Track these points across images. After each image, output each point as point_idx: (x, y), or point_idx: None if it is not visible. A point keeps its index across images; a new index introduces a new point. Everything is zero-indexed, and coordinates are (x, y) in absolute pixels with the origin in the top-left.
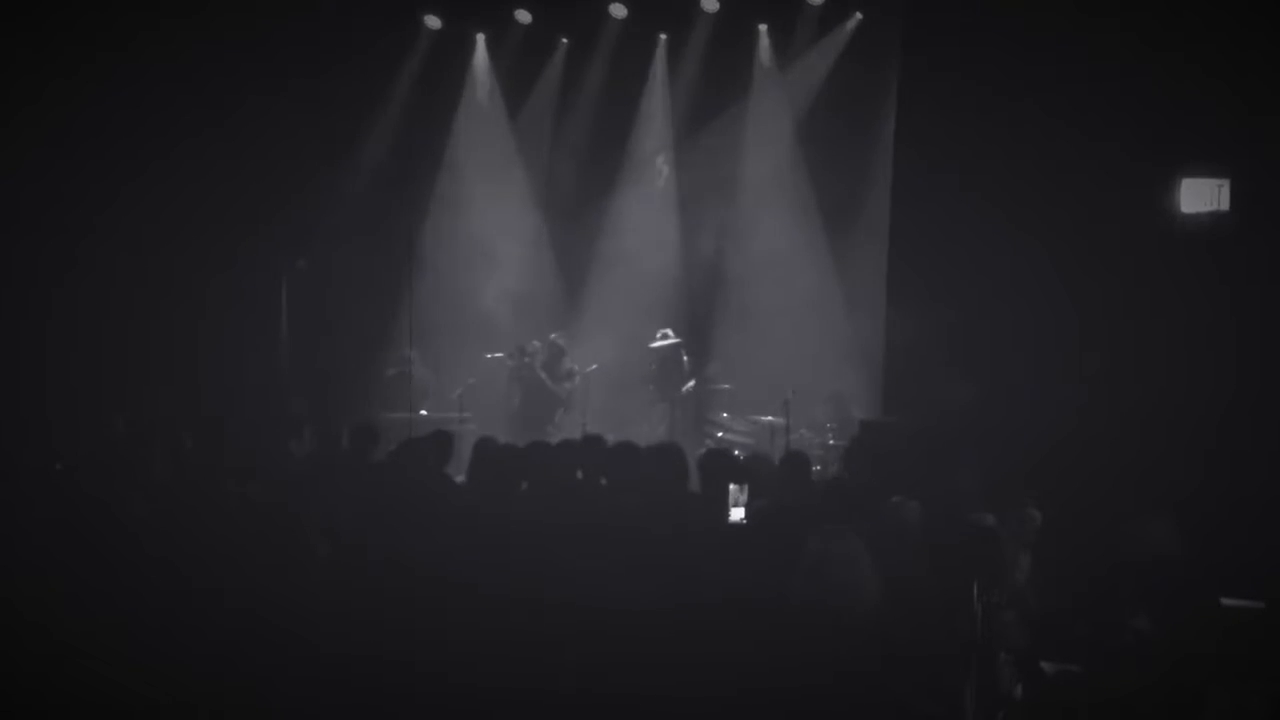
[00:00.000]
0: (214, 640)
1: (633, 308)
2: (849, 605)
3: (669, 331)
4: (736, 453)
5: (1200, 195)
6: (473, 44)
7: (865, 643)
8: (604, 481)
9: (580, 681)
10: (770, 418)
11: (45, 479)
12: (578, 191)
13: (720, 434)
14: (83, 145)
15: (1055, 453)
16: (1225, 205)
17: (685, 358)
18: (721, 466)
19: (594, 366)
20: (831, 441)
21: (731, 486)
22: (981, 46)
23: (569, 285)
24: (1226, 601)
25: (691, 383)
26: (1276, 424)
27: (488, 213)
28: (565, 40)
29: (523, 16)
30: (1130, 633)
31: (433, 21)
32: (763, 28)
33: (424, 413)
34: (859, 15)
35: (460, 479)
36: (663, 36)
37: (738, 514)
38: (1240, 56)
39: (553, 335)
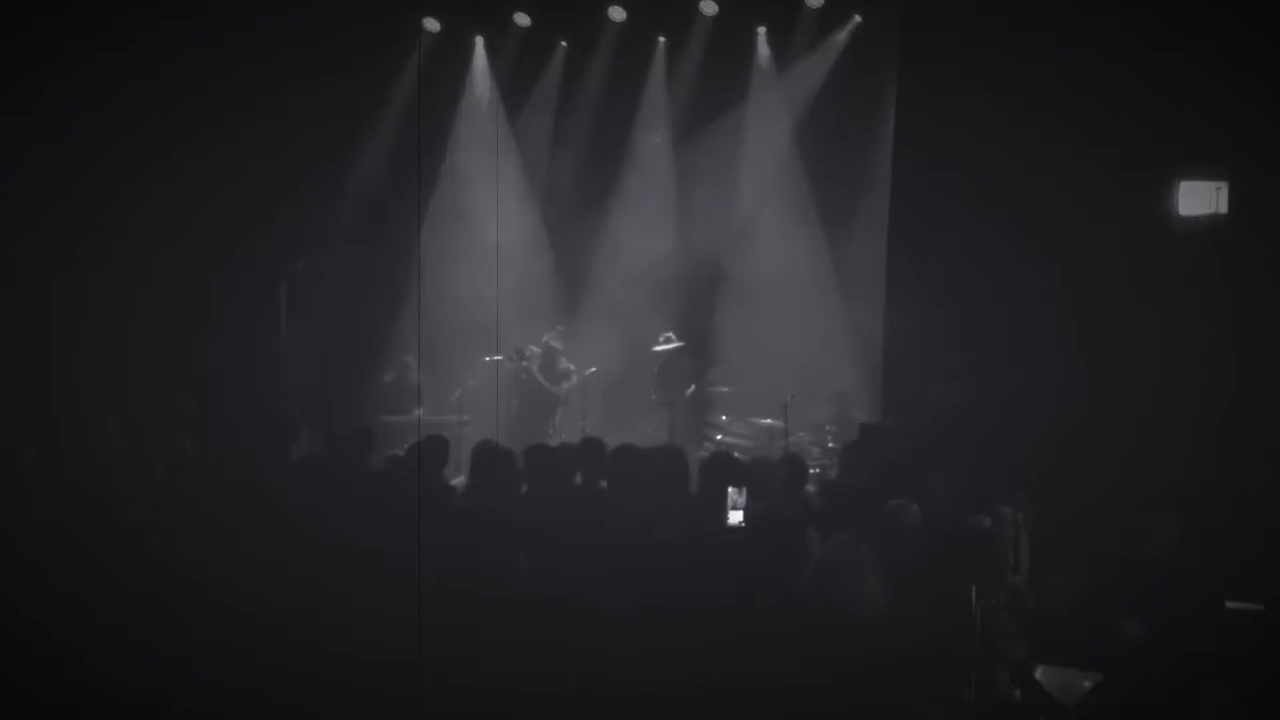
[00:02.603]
0: (212, 642)
1: (632, 310)
2: (853, 609)
3: (671, 335)
4: (737, 455)
5: (1198, 198)
6: (472, 46)
7: (866, 646)
8: (603, 484)
9: (580, 682)
10: (770, 420)
11: (46, 480)
12: (577, 194)
13: (720, 437)
14: (83, 145)
15: (1054, 454)
16: (1223, 208)
17: (687, 361)
18: (721, 469)
19: (593, 369)
20: (831, 444)
21: (730, 489)
22: (981, 48)
23: (569, 287)
24: (1231, 605)
25: (692, 386)
26: (1275, 425)
27: (486, 215)
28: (564, 43)
29: (521, 19)
30: (1127, 634)
31: (432, 24)
32: (761, 30)
33: (420, 412)
34: (857, 18)
35: (457, 481)
36: (661, 39)
37: (736, 517)
38: (1240, 58)
39: (546, 336)
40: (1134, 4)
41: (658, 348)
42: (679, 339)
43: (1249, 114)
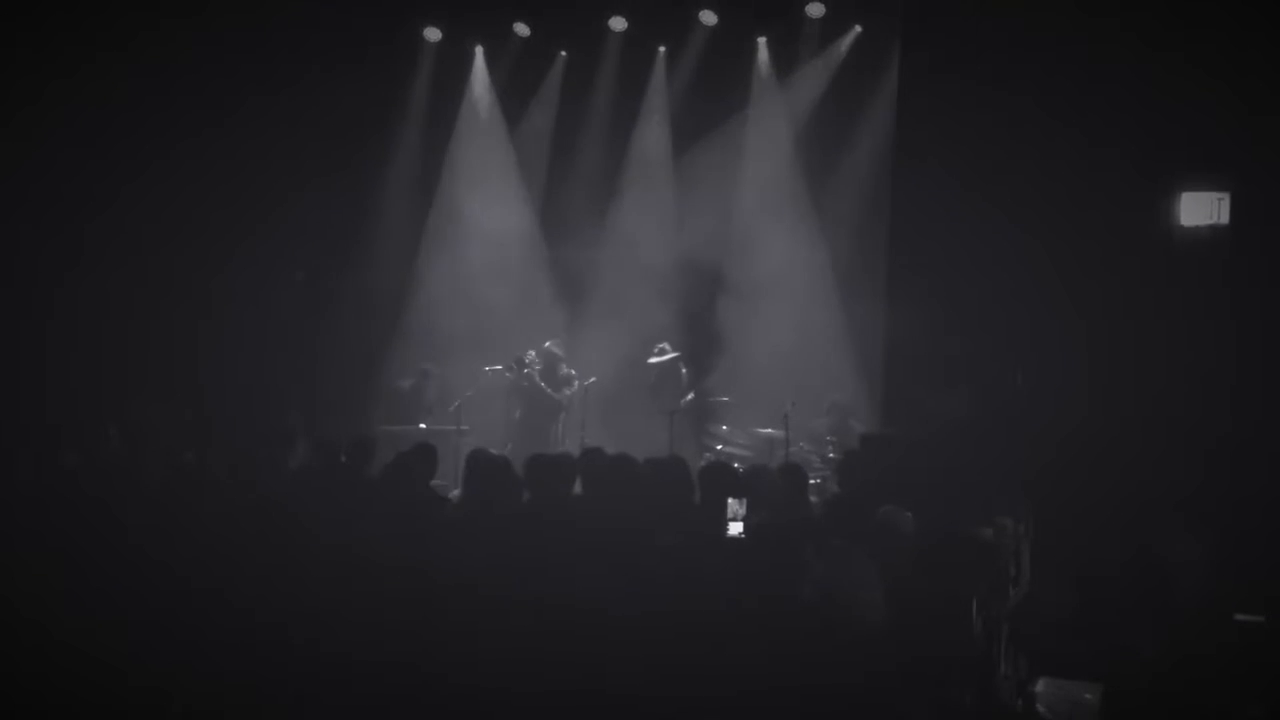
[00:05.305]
0: (209, 645)
1: (632, 320)
2: (854, 620)
3: (666, 346)
4: (736, 465)
5: (1200, 208)
6: (472, 56)
7: (865, 656)
8: (603, 494)
9: (580, 683)
10: (770, 430)
11: (45, 484)
12: (577, 203)
13: (719, 446)
14: (83, 148)
15: (1054, 460)
16: (1225, 219)
17: (684, 370)
18: (721, 479)
19: (593, 379)
20: (831, 454)
21: (730, 500)
22: (981, 57)
23: (568, 297)
24: (1240, 617)
25: (690, 395)
26: (1275, 430)
27: (486, 224)
28: (564, 52)
29: (521, 29)
30: (1133, 646)
31: (433, 33)
32: (762, 40)
33: (423, 425)
34: (858, 28)
35: (455, 492)
36: (662, 49)
37: (736, 528)
38: (1244, 64)
39: (548, 343)
40: (1134, 9)
41: (652, 359)
42: (677, 348)
43: (1252, 124)
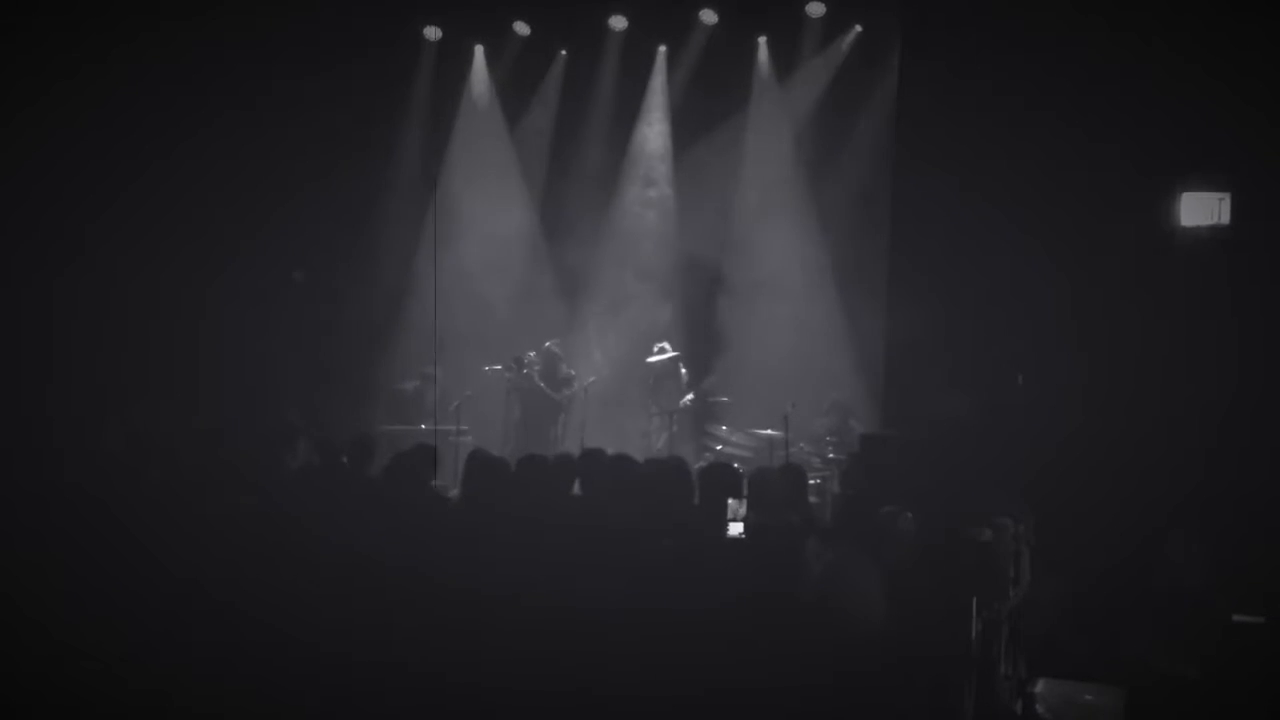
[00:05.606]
0: (209, 645)
1: (631, 320)
2: (855, 622)
3: (666, 345)
4: (736, 465)
5: (1200, 208)
6: (472, 55)
7: (866, 655)
8: (603, 494)
9: (580, 683)
10: (770, 431)
11: (46, 486)
12: (577, 202)
13: (719, 447)
14: (83, 148)
15: (1054, 461)
16: (1225, 219)
17: (683, 370)
18: (721, 480)
19: (592, 379)
20: (831, 455)
21: (730, 501)
22: (981, 57)
23: (567, 297)
24: (1236, 617)
25: (690, 396)
26: (1274, 433)
27: (485, 224)
28: (564, 51)
29: (521, 28)
30: (1131, 648)
31: (433, 32)
32: (762, 39)
33: (424, 426)
34: (858, 28)
35: (455, 492)
36: (662, 48)
37: (736, 528)
38: (1245, 64)
39: (548, 343)
40: (1134, 9)
41: (651, 359)
42: (676, 348)
43: (1252, 124)
